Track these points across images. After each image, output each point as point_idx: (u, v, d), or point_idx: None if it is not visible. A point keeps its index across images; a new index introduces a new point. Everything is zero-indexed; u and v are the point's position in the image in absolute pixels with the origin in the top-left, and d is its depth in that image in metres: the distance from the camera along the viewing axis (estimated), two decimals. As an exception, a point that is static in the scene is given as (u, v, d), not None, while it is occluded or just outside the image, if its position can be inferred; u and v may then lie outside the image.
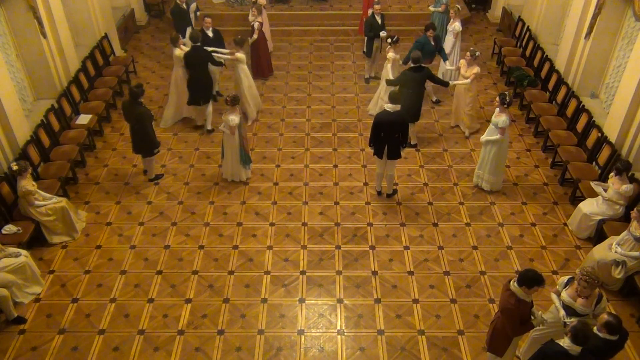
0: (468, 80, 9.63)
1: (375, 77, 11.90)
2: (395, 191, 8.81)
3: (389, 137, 8.11)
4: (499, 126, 8.12)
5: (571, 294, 5.58)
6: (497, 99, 8.17)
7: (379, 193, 8.79)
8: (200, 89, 9.79)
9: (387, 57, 10.12)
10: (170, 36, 10.10)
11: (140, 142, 8.70)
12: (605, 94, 9.68)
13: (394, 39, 10.04)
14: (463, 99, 9.90)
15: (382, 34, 11.18)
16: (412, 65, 9.11)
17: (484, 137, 8.43)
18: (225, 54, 10.19)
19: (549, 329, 5.77)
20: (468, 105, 9.90)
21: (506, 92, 8.25)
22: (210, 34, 10.58)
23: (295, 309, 6.97)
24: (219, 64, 10.02)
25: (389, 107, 7.99)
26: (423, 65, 9.21)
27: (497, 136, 8.19)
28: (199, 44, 9.66)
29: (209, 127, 10.21)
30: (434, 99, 11.13)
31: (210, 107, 10.11)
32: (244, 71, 10.20)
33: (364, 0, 12.62)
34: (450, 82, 10.03)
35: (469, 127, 10.12)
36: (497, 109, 8.19)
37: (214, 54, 9.87)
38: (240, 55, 10.05)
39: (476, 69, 9.64)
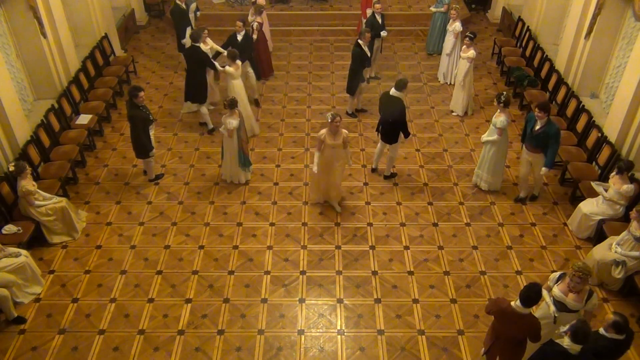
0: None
1: (376, 77, 11.90)
2: (393, 175, 8.92)
3: (383, 119, 8.40)
4: (496, 127, 8.15)
5: (563, 289, 5.60)
6: (496, 100, 8.23)
7: (373, 170, 8.97)
8: (192, 87, 9.92)
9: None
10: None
11: (134, 143, 8.71)
12: (605, 94, 9.68)
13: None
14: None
15: (383, 33, 11.18)
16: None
17: (484, 137, 8.45)
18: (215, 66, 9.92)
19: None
20: (464, 88, 10.32)
21: (502, 92, 8.29)
22: (239, 38, 10.40)
23: (295, 309, 6.97)
24: (213, 66, 9.90)
25: (392, 91, 8.28)
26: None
27: (495, 137, 8.21)
28: (197, 44, 9.69)
29: (210, 127, 10.20)
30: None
31: (204, 109, 10.07)
32: (237, 87, 9.64)
33: (362, 1, 12.58)
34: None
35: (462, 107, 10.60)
36: (498, 110, 8.23)
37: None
38: (230, 69, 9.53)
39: (471, 52, 10.03)
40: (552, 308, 5.61)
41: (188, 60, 10.05)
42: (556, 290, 5.64)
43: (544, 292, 5.79)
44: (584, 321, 4.95)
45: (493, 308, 5.43)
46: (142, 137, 8.55)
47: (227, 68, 9.56)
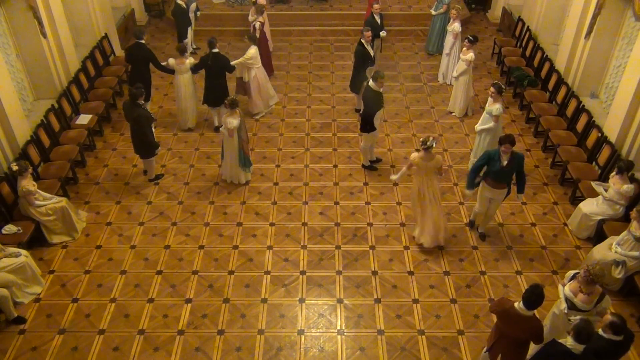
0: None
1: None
2: (371, 167, 9.30)
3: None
4: (492, 114, 8.35)
5: (573, 289, 5.62)
6: (492, 88, 8.39)
7: (375, 161, 9.48)
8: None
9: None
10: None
11: (139, 144, 8.70)
12: (605, 94, 9.68)
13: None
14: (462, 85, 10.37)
15: (382, 33, 11.18)
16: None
17: (478, 126, 8.69)
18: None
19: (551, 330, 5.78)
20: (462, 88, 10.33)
21: (496, 81, 8.51)
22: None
23: (295, 309, 6.97)
24: (157, 64, 10.01)
25: (370, 82, 8.61)
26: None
27: (491, 124, 8.40)
28: (142, 41, 9.90)
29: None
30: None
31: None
32: (178, 80, 9.95)
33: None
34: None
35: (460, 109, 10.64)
36: (491, 98, 8.41)
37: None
38: (172, 60, 9.84)
39: (470, 55, 10.00)
40: (564, 305, 5.64)
41: (133, 58, 10.00)
42: (567, 289, 5.68)
43: (559, 287, 5.87)
44: (587, 321, 4.94)
45: (497, 308, 5.42)
46: (150, 136, 8.61)
47: (170, 60, 9.85)
